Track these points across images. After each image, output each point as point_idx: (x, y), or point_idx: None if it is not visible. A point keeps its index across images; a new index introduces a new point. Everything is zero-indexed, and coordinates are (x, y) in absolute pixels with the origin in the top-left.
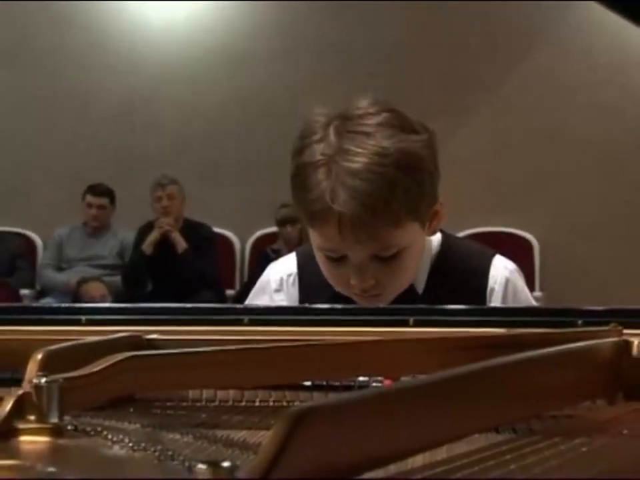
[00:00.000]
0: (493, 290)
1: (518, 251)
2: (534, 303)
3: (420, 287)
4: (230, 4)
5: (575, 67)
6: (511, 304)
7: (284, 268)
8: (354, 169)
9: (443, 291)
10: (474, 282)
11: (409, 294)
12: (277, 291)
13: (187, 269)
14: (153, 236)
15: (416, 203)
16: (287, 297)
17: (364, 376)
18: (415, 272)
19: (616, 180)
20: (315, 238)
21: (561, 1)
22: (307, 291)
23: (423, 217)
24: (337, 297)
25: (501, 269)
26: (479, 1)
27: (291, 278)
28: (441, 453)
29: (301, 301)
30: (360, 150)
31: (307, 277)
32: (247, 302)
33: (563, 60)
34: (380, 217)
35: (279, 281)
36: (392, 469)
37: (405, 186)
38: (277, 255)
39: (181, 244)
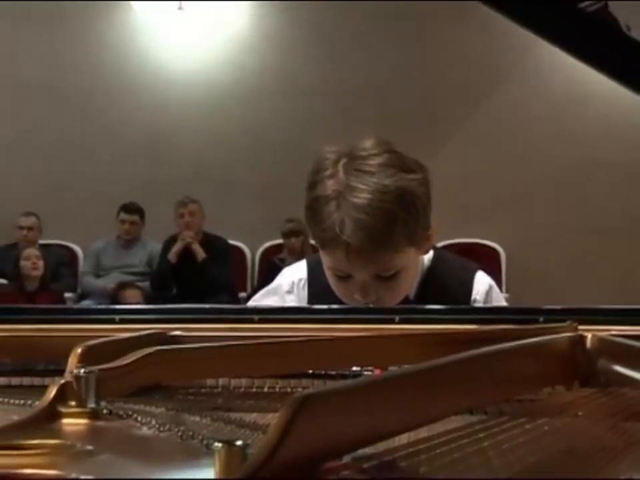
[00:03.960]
0: (475, 300)
1: (487, 259)
2: None
3: (411, 294)
4: (240, 53)
5: (535, 101)
6: None
7: (296, 273)
8: (359, 204)
9: (432, 299)
10: (459, 293)
11: (402, 300)
12: (289, 292)
13: (205, 275)
14: (177, 247)
15: (413, 233)
16: (297, 299)
17: (357, 366)
18: (411, 286)
19: (569, 198)
20: (325, 258)
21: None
22: (315, 294)
23: (418, 243)
24: (341, 301)
25: (483, 283)
26: (451, 45)
27: (302, 282)
28: (423, 432)
29: (310, 302)
30: (364, 187)
31: (316, 282)
32: (254, 300)
33: (524, 95)
34: (382, 246)
35: (290, 284)
36: (381, 446)
37: (403, 220)
38: (283, 263)
39: (201, 254)
